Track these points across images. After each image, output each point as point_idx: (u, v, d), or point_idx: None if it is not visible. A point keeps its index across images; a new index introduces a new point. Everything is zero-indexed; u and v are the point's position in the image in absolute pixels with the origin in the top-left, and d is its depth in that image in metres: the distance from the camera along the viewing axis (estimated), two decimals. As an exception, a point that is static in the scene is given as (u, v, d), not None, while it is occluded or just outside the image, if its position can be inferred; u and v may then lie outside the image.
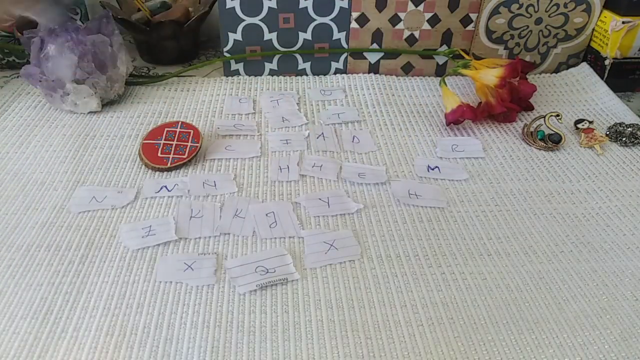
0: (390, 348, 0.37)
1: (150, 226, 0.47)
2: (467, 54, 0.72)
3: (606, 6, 0.70)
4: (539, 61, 0.74)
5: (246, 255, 0.44)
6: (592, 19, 0.71)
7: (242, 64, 0.72)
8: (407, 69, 0.74)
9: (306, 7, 0.68)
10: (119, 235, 0.46)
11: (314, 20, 0.69)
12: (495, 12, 0.69)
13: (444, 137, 0.61)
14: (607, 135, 0.61)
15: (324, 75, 0.73)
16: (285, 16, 0.68)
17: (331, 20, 0.69)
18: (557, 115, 0.60)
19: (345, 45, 0.71)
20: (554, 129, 0.60)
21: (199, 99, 0.67)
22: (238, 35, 0.69)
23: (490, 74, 0.61)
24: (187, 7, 0.76)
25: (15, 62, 0.73)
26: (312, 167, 0.55)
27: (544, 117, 0.61)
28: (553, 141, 0.59)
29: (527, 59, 0.74)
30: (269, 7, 0.67)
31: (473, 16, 0.69)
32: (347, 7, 0.68)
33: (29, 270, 0.42)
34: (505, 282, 0.43)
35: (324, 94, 0.69)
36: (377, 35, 0.71)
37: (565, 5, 0.69)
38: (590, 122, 0.62)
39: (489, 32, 0.71)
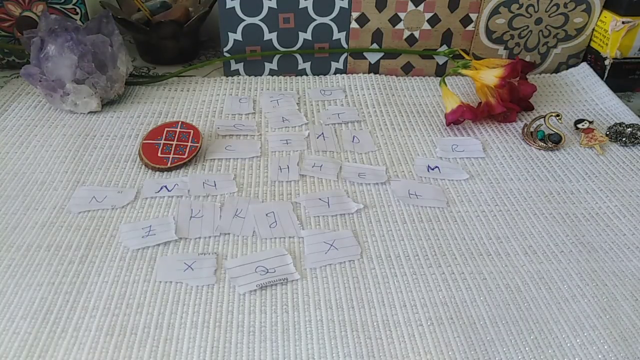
0: (390, 348, 0.37)
1: (150, 226, 0.47)
2: (467, 54, 0.72)
3: (606, 6, 0.70)
4: (539, 61, 0.74)
5: (246, 255, 0.44)
6: (592, 19, 0.71)
7: (242, 64, 0.72)
8: (407, 69, 0.74)
9: (306, 7, 0.68)
10: (119, 235, 0.46)
11: (314, 20, 0.69)
12: (495, 12, 0.69)
13: (444, 137, 0.61)
14: (607, 135, 0.61)
15: (324, 75, 0.73)
16: (285, 16, 0.68)
17: (331, 20, 0.69)
18: (557, 115, 0.60)
19: (345, 45, 0.71)
20: (554, 129, 0.60)
21: (199, 99, 0.67)
22: (238, 35, 0.69)
23: (490, 74, 0.61)
24: (187, 7, 0.76)
25: (15, 62, 0.73)
26: (312, 167, 0.55)
27: (544, 117, 0.61)
28: (553, 141, 0.59)
29: (527, 59, 0.74)
30: (269, 7, 0.67)
31: (473, 16, 0.69)
32: (347, 7, 0.68)
33: (29, 270, 0.42)
34: (505, 282, 0.43)
35: (324, 94, 0.69)
36: (377, 35, 0.71)
37: (565, 5, 0.69)
38: (590, 122, 0.62)
39: (489, 32, 0.71)
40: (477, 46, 0.72)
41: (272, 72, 0.73)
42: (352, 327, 0.39)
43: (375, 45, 0.71)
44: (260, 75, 0.73)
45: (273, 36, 0.70)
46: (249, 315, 0.39)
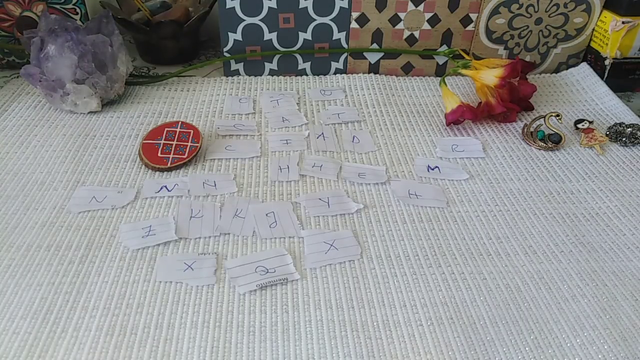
0: (390, 348, 0.37)
1: (150, 226, 0.47)
2: (467, 54, 0.72)
3: (606, 6, 0.70)
4: (539, 61, 0.74)
5: (246, 255, 0.44)
6: (592, 19, 0.71)
7: (242, 64, 0.72)
8: (407, 69, 0.74)
9: (306, 7, 0.68)
10: (119, 235, 0.46)
11: (314, 20, 0.69)
12: (495, 12, 0.69)
13: (444, 137, 0.61)
14: (607, 135, 0.61)
15: (324, 75, 0.73)
16: (285, 16, 0.68)
17: (331, 20, 0.69)
18: (557, 115, 0.60)
19: (345, 45, 0.71)
20: (554, 129, 0.60)
21: (199, 99, 0.67)
22: (238, 35, 0.69)
23: (490, 74, 0.61)
24: (187, 7, 0.76)
25: (15, 62, 0.73)
26: (312, 167, 0.55)
27: (544, 117, 0.61)
28: (553, 141, 0.59)
29: (527, 59, 0.74)
30: (269, 7, 0.67)
31: (473, 16, 0.69)
32: (347, 7, 0.68)
33: (29, 270, 0.42)
34: (505, 282, 0.43)
35: (324, 94, 0.69)
36: (377, 35, 0.71)
37: (565, 5, 0.69)
38: (590, 122, 0.62)
39: (489, 32, 0.71)
40: (477, 46, 0.72)
41: (272, 72, 0.73)
42: (352, 327, 0.39)
43: (375, 45, 0.71)
44: (260, 75, 0.73)
45: (273, 36, 0.70)
46: (249, 315, 0.39)
